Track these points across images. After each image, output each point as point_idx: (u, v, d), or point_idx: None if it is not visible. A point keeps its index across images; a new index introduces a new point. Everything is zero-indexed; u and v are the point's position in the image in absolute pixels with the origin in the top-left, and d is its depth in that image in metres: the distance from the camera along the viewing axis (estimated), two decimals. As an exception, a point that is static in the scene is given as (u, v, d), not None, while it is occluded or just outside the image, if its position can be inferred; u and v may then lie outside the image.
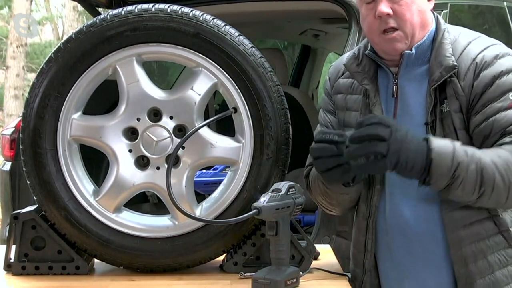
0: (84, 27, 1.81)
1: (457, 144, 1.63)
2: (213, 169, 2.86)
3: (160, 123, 1.82)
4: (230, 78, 1.81)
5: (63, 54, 1.80)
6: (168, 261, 1.85)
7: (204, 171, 2.82)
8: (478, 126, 1.70)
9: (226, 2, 3.46)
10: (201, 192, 2.48)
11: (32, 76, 13.50)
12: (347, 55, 1.93)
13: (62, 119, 1.82)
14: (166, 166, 1.79)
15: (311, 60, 5.19)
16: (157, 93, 1.83)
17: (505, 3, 3.89)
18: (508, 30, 3.80)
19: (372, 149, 1.57)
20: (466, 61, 1.73)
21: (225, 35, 1.80)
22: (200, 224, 1.82)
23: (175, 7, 1.81)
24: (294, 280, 1.70)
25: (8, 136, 3.37)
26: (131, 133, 1.84)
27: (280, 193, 1.67)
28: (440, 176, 1.61)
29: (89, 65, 1.81)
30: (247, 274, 1.79)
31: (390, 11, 1.73)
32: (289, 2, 3.49)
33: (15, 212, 1.85)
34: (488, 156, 1.63)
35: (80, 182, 1.84)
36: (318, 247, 1.98)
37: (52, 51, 1.83)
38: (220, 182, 1.90)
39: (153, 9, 1.80)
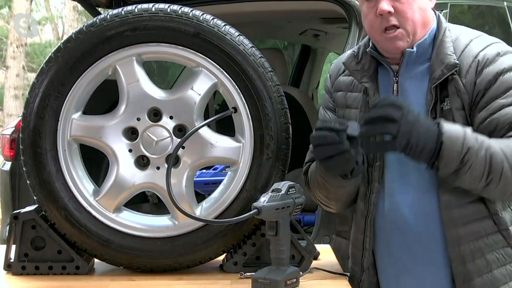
0: (84, 27, 1.81)
1: (468, 130, 1.65)
2: (213, 169, 2.86)
3: (160, 123, 1.82)
4: (230, 78, 1.81)
5: (63, 54, 1.80)
6: (168, 261, 1.85)
7: (204, 171, 2.82)
8: (482, 123, 1.71)
9: (226, 2, 3.46)
10: (201, 192, 2.48)
11: (32, 76, 13.49)
12: (346, 54, 1.93)
13: (62, 119, 1.82)
14: (166, 166, 1.79)
15: (311, 60, 5.19)
16: (157, 93, 1.83)
17: (505, 3, 3.89)
18: (508, 30, 3.80)
19: (383, 129, 1.60)
20: (467, 59, 1.73)
21: (225, 35, 1.80)
22: (200, 224, 1.82)
23: (175, 7, 1.81)
24: (294, 280, 1.70)
25: (8, 136, 3.37)
26: (131, 133, 1.84)
27: (280, 193, 1.67)
28: (450, 161, 1.62)
29: (89, 65, 1.81)
30: (247, 274, 1.79)
31: (392, 9, 1.74)
32: (289, 2, 3.49)
33: (15, 212, 1.85)
34: (498, 145, 1.65)
35: (80, 182, 1.84)
36: (318, 247, 1.98)
37: (52, 51, 1.83)
38: (220, 182, 1.90)
39: (153, 9, 1.80)
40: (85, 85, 1.82)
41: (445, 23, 1.82)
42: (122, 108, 1.82)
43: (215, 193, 1.87)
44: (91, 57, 1.80)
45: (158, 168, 1.83)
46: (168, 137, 1.82)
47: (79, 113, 1.84)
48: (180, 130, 1.83)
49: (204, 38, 1.79)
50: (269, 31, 4.84)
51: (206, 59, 1.81)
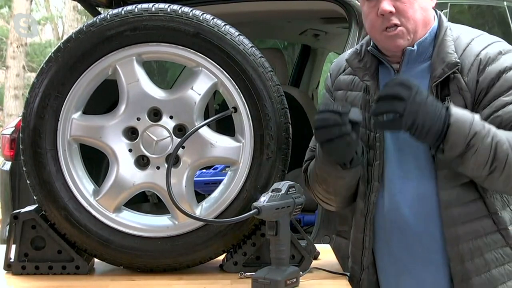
0: (84, 27, 1.81)
1: (476, 116, 1.65)
2: (213, 169, 2.86)
3: (160, 122, 1.82)
4: (230, 78, 1.81)
5: (63, 54, 1.80)
6: (168, 261, 1.85)
7: (204, 170, 2.82)
8: (486, 120, 1.70)
9: (226, 2, 3.46)
10: (201, 191, 2.47)
11: (32, 76, 13.50)
12: (349, 51, 1.94)
13: (62, 119, 1.82)
14: (166, 165, 1.79)
15: (311, 60, 5.18)
16: (157, 93, 1.83)
17: (505, 3, 3.89)
18: (508, 30, 3.80)
19: (390, 107, 1.62)
20: (469, 58, 1.74)
21: (225, 34, 1.80)
22: (200, 223, 1.82)
23: (175, 7, 1.81)
24: (294, 280, 1.70)
25: (8, 136, 3.37)
26: (131, 133, 1.84)
27: (280, 193, 1.67)
28: (455, 143, 1.62)
29: (89, 65, 1.81)
30: (247, 274, 1.79)
31: (393, 9, 1.74)
32: (289, 2, 3.49)
33: (15, 212, 1.85)
34: (504, 135, 1.66)
35: (80, 182, 1.84)
36: (318, 247, 1.98)
37: (52, 51, 1.83)
38: (220, 181, 1.90)
39: (153, 9, 1.80)
40: (85, 85, 1.82)
41: (446, 22, 1.83)
42: (122, 108, 1.82)
43: (215, 193, 1.87)
44: (91, 57, 1.80)
45: (158, 168, 1.83)
46: (168, 137, 1.82)
47: (79, 113, 1.84)
48: (180, 130, 1.83)
49: (204, 38, 1.79)
50: (269, 31, 4.84)
51: (206, 59, 1.81)
